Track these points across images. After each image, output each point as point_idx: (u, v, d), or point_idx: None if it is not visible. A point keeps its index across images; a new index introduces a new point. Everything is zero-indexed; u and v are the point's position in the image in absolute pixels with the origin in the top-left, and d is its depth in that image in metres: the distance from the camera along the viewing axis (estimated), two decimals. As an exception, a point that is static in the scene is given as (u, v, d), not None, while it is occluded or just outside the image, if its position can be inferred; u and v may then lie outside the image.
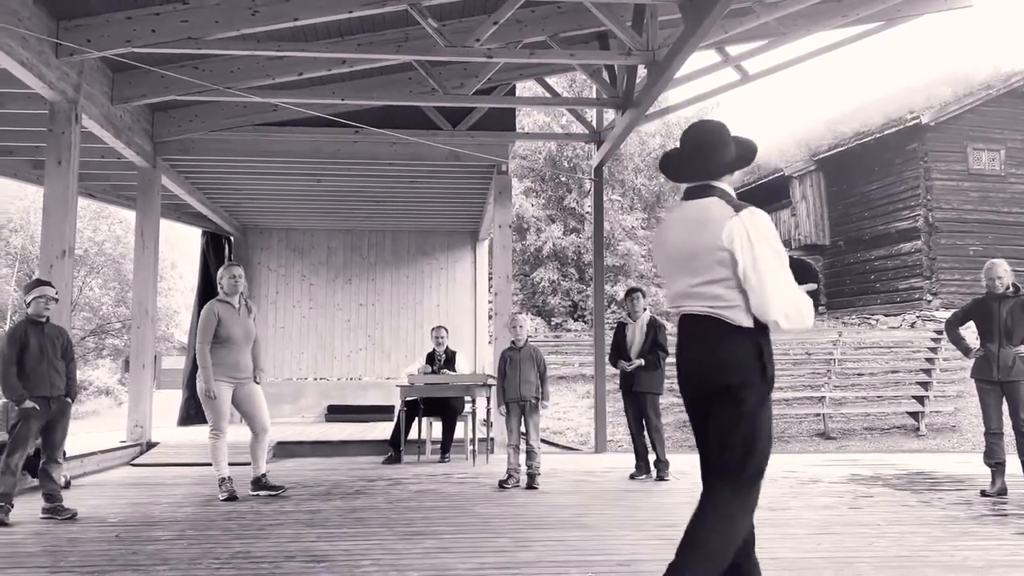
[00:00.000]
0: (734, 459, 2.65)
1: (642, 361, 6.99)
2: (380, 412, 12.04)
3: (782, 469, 7.34)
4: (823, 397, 14.29)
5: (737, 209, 2.66)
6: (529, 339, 6.84)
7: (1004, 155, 20.55)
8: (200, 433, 8.48)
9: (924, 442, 13.40)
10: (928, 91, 21.14)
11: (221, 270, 6.26)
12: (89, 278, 29.31)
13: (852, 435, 13.99)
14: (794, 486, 6.54)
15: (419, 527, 4.79)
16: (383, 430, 9.63)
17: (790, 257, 2.76)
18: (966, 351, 6.20)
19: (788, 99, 61.66)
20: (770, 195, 23.76)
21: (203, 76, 7.82)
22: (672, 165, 2.93)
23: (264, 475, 6.14)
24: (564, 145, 24.61)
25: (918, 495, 6.06)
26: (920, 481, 6.86)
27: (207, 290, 11.91)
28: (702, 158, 2.82)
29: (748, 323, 2.65)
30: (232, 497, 5.81)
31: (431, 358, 8.63)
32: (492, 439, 8.67)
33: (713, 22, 5.62)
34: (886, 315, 20.44)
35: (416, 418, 8.47)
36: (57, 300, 5.48)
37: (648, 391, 7.04)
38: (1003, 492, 5.93)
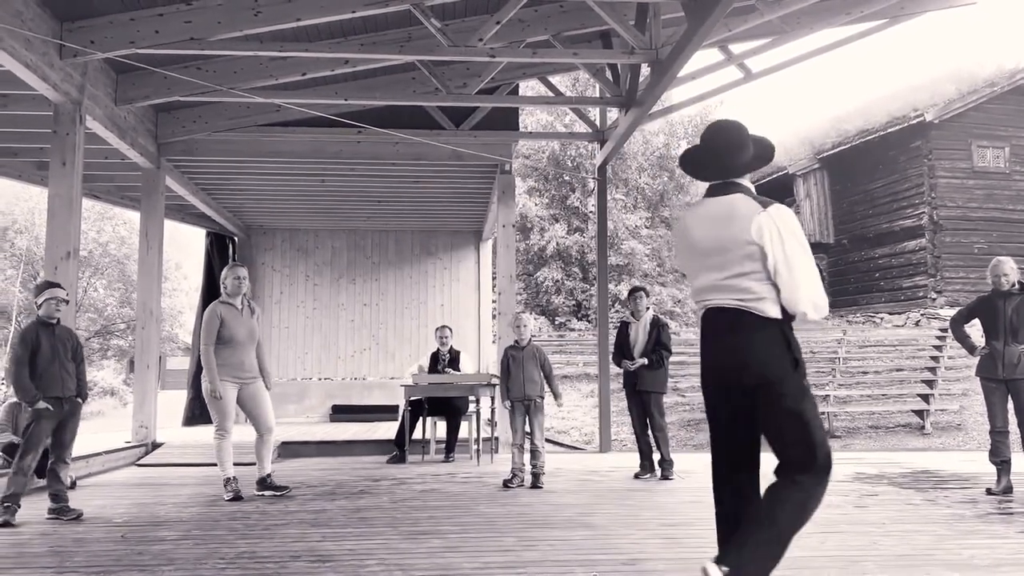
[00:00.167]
0: (800, 454, 2.71)
1: (645, 360, 6.99)
2: (384, 412, 12.04)
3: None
4: (828, 395, 14.27)
5: (764, 205, 2.77)
6: (533, 339, 6.84)
7: (1009, 152, 20.49)
8: (205, 433, 8.50)
9: (929, 440, 13.38)
10: (932, 88, 21.07)
11: (225, 271, 6.26)
12: (94, 279, 29.41)
13: (857, 433, 13.97)
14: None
15: (424, 527, 4.79)
16: (387, 430, 9.64)
17: None
18: (971, 349, 6.19)
19: (792, 97, 61.62)
20: (774, 193, 23.64)
21: (206, 77, 7.83)
22: (693, 163, 3.02)
23: (269, 475, 6.14)
24: (567, 144, 24.59)
25: (923, 493, 6.05)
26: (925, 479, 6.85)
27: (211, 291, 11.92)
28: (723, 157, 2.91)
29: (776, 315, 2.75)
30: (237, 497, 5.82)
31: (435, 358, 8.64)
32: (496, 438, 8.68)
33: (716, 20, 5.61)
34: (890, 313, 20.39)
35: (420, 418, 8.47)
36: (68, 302, 5.51)
37: (652, 390, 7.04)
38: (1009, 490, 5.91)
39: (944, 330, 15.60)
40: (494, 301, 12.14)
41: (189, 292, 31.50)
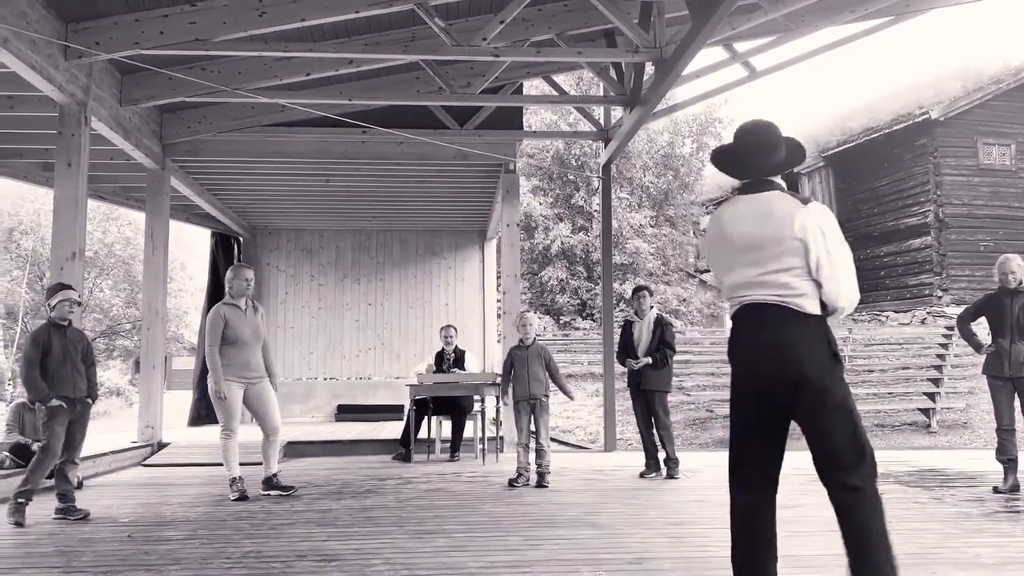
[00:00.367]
0: (849, 451, 2.71)
1: (649, 359, 6.99)
2: (390, 411, 12.05)
3: (792, 466, 7.30)
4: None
5: (804, 202, 2.80)
6: (537, 338, 6.84)
7: (1015, 150, 20.43)
8: (211, 433, 8.52)
9: (935, 439, 13.35)
10: (937, 86, 21.03)
11: (230, 272, 6.26)
12: (99, 280, 29.47)
13: (863, 432, 13.92)
14: (805, 483, 6.50)
15: (430, 526, 4.80)
16: (393, 429, 9.65)
17: None
18: (978, 347, 6.17)
19: (796, 95, 61.50)
20: (778, 192, 23.64)
21: (211, 77, 7.84)
22: (727, 161, 3.04)
23: (275, 475, 6.15)
24: (572, 143, 24.57)
25: (930, 492, 6.04)
26: (932, 478, 6.83)
27: (217, 291, 11.95)
28: (757, 156, 2.93)
29: (817, 311, 2.77)
30: (243, 497, 5.83)
31: (440, 357, 8.64)
32: (501, 438, 8.68)
33: (720, 19, 5.60)
34: (896, 311, 20.35)
35: (426, 417, 8.48)
36: (80, 303, 5.53)
37: (656, 389, 7.03)
38: (1016, 488, 5.89)
39: (950, 328, 15.56)
40: (499, 300, 12.14)
41: (194, 292, 31.52)
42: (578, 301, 24.41)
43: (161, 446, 8.84)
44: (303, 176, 10.54)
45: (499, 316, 12.10)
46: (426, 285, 13.75)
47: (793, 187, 23.56)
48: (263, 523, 4.93)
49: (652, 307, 7.26)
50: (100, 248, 28.73)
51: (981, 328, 6.29)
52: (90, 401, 5.38)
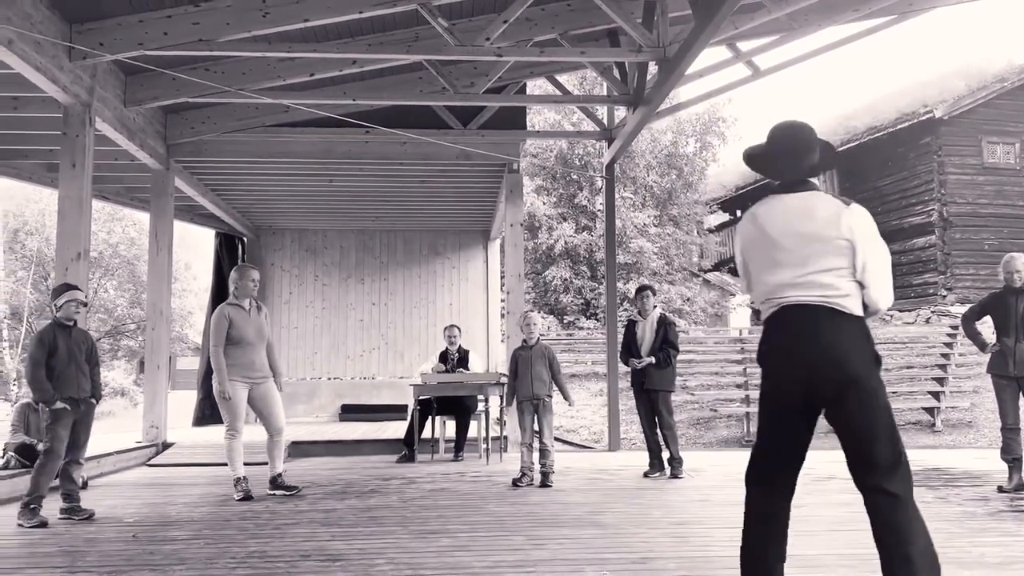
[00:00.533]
0: (889, 452, 2.72)
1: (652, 359, 6.99)
2: (393, 411, 12.07)
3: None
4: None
5: (846, 203, 2.79)
6: (541, 338, 6.84)
7: (1019, 148, 20.36)
8: (215, 433, 8.54)
9: (940, 438, 13.32)
10: (941, 85, 20.95)
11: (235, 273, 6.27)
12: (104, 280, 29.55)
13: (867, 431, 13.89)
14: (809, 483, 6.50)
15: (434, 526, 4.80)
16: (397, 429, 9.66)
17: None
18: (982, 346, 6.16)
19: (799, 94, 61.41)
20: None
21: (215, 78, 7.85)
22: (761, 162, 3.03)
23: (280, 475, 6.16)
24: (575, 143, 24.56)
25: (934, 491, 6.02)
26: (936, 477, 6.82)
27: (221, 291, 11.97)
28: (794, 157, 2.91)
29: (859, 311, 2.76)
30: (247, 497, 5.84)
31: (444, 357, 8.65)
32: (505, 437, 8.68)
33: (724, 18, 5.60)
34: (900, 310, 20.29)
35: (429, 417, 8.49)
36: (87, 304, 5.54)
37: (660, 388, 7.03)
38: (1020, 488, 5.87)
39: (955, 327, 15.52)
40: (502, 300, 12.15)
41: (199, 292, 31.58)
42: (582, 301, 24.41)
43: (166, 446, 8.86)
44: (307, 176, 10.56)
45: (503, 316, 12.11)
46: (430, 285, 13.76)
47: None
48: (267, 523, 4.94)
49: (656, 307, 7.25)
50: (105, 248, 28.81)
51: (986, 327, 6.28)
52: (94, 401, 5.39)
